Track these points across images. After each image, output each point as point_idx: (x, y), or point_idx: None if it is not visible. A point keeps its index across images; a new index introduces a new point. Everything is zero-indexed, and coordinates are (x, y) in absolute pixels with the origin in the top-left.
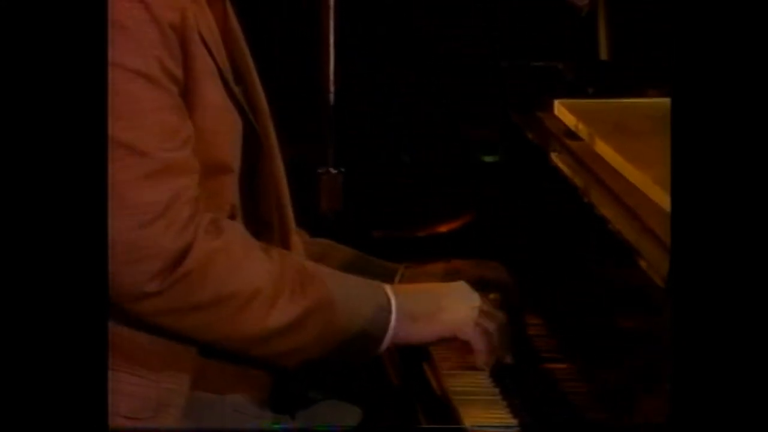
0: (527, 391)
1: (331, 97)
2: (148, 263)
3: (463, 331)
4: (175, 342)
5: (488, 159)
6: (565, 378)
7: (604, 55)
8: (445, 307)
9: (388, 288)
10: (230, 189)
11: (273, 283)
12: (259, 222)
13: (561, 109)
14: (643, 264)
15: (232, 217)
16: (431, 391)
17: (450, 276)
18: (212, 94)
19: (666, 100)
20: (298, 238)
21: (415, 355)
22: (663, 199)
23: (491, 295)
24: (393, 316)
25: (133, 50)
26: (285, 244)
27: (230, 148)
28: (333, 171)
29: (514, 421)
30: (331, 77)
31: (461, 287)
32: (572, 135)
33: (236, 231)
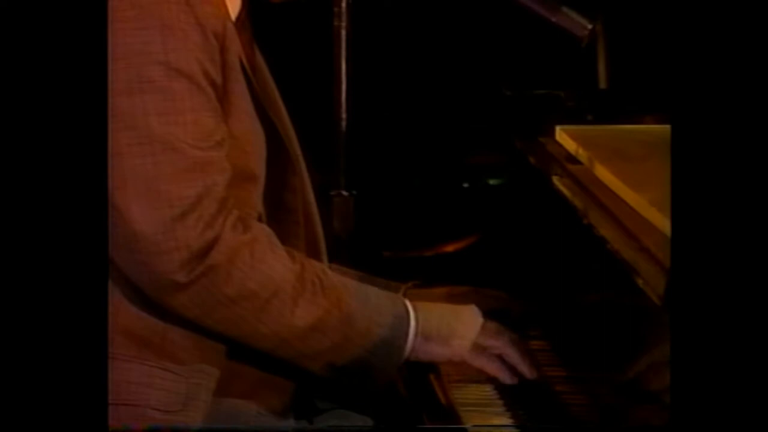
0: (531, 404)
1: (344, 124)
2: (176, 254)
3: (473, 358)
4: (204, 339)
5: (493, 182)
6: (566, 391)
7: (602, 83)
8: (457, 332)
9: (407, 300)
10: (256, 197)
11: (295, 283)
12: (288, 231)
13: (562, 135)
14: (640, 282)
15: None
16: (438, 401)
17: (452, 300)
18: (243, 103)
19: (662, 127)
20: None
21: (422, 367)
22: (659, 220)
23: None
24: (412, 325)
25: (178, 50)
26: (316, 258)
27: (257, 158)
28: (345, 194)
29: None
30: (344, 106)
31: (472, 312)
32: (573, 159)
33: (262, 230)
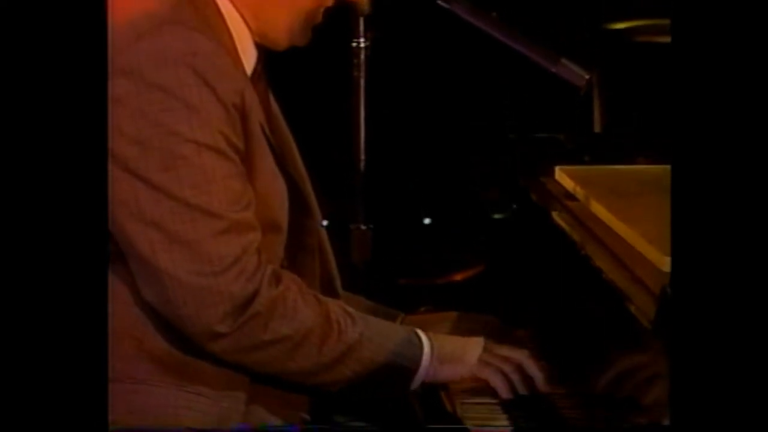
0: (533, 419)
1: (362, 165)
2: (220, 306)
3: (482, 372)
4: (232, 369)
5: (498, 217)
6: (566, 407)
7: (597, 128)
8: (468, 353)
9: (421, 333)
10: (279, 246)
11: (322, 325)
12: (307, 272)
13: (561, 175)
14: (632, 308)
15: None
16: (448, 417)
17: (444, 324)
18: (265, 163)
19: (652, 167)
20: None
21: (433, 385)
22: (650, 252)
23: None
24: (425, 356)
25: (203, 127)
26: (332, 292)
27: (280, 209)
28: (363, 227)
29: None
30: (362, 148)
31: (479, 341)
32: (571, 196)
33: (292, 279)
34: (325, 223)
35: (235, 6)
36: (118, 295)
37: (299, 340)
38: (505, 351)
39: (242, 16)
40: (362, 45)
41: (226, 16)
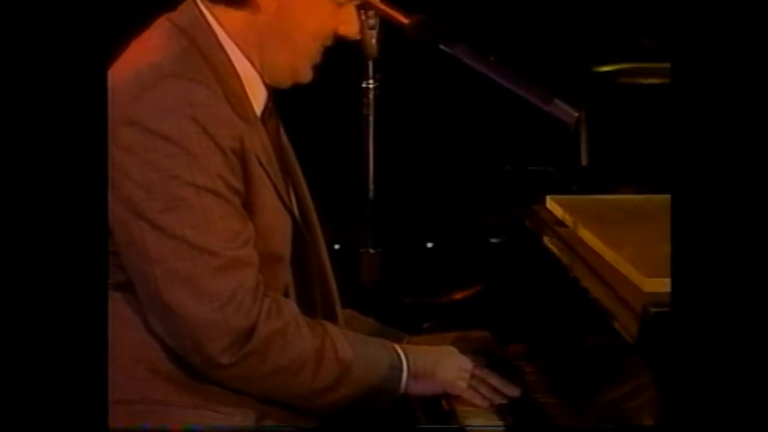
0: (526, 423)
1: (371, 194)
2: (220, 340)
3: (454, 387)
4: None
5: (494, 241)
6: (556, 414)
7: (585, 161)
8: (439, 369)
9: (400, 350)
10: (284, 273)
11: (316, 356)
12: (308, 297)
13: (552, 203)
14: (616, 325)
15: (286, 294)
16: (448, 421)
17: (444, 342)
18: (267, 200)
19: (634, 196)
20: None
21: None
22: (632, 274)
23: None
24: (404, 369)
25: (202, 171)
26: (331, 316)
27: (282, 242)
28: (371, 251)
29: None
30: (371, 179)
31: (450, 351)
32: (560, 223)
33: (291, 312)
34: (336, 246)
35: (242, 51)
36: (134, 323)
37: (295, 370)
38: (471, 367)
39: (249, 60)
40: (371, 86)
41: (234, 61)
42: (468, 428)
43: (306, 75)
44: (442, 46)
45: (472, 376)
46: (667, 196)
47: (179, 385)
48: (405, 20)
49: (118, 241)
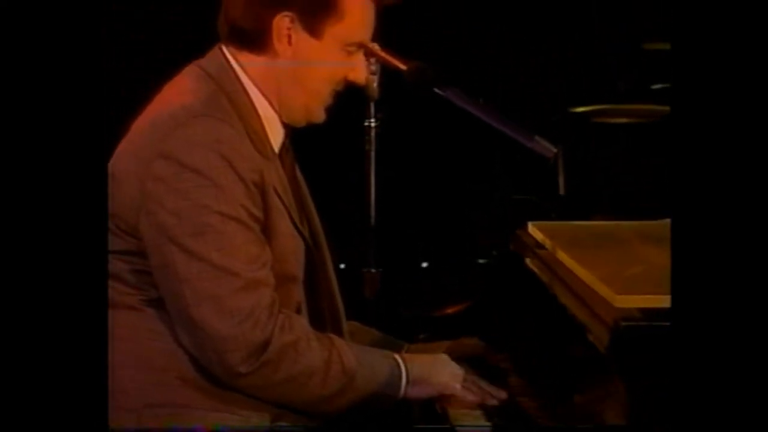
0: (511, 424)
1: (372, 220)
2: (238, 353)
3: (447, 389)
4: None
5: (482, 261)
6: (537, 415)
7: (562, 191)
8: (434, 374)
9: (399, 359)
10: (297, 292)
11: (324, 368)
12: (317, 312)
13: (533, 228)
14: (591, 338)
15: (298, 310)
16: (440, 420)
17: (439, 351)
18: (282, 227)
19: (606, 223)
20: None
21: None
22: (604, 291)
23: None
24: (404, 378)
25: (227, 201)
26: (337, 329)
27: (296, 264)
28: (373, 270)
29: None
30: (372, 206)
31: (443, 358)
32: (541, 246)
33: (302, 327)
34: (342, 266)
35: (262, 93)
36: (164, 336)
37: (305, 380)
38: (463, 372)
39: (269, 101)
40: (373, 124)
41: (256, 103)
42: (458, 428)
43: (319, 115)
44: (436, 90)
45: (464, 379)
46: (635, 222)
47: (203, 391)
48: (403, 66)
49: (151, 262)
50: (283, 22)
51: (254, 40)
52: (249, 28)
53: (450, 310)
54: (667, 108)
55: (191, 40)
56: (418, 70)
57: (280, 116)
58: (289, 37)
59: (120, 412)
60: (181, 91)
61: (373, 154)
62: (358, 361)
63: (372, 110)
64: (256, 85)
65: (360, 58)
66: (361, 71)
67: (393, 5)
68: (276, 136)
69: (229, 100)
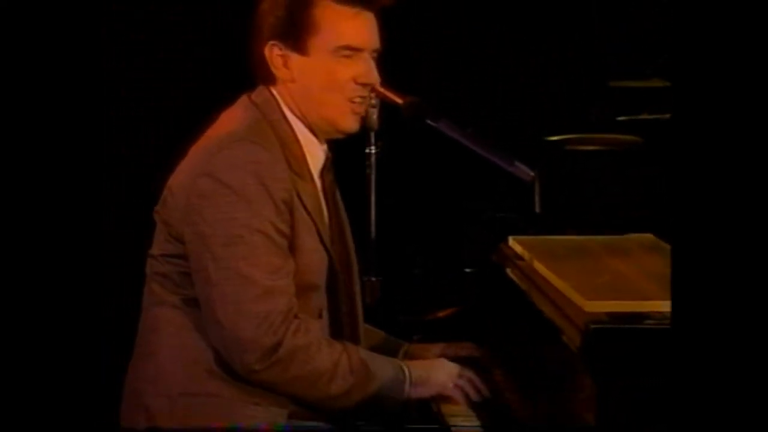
0: (494, 414)
1: (373, 235)
2: (253, 353)
3: (446, 389)
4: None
5: (469, 271)
6: (519, 408)
7: (538, 209)
8: (432, 376)
9: (402, 364)
10: (318, 299)
11: (333, 370)
12: (336, 317)
13: (513, 242)
14: (564, 338)
15: (319, 315)
16: (435, 416)
17: (434, 350)
18: (309, 242)
19: (577, 237)
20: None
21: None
22: (576, 297)
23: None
24: (407, 382)
25: (256, 217)
26: (355, 331)
27: (318, 275)
28: (374, 279)
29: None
30: (373, 223)
31: (441, 361)
32: (520, 258)
33: (315, 334)
34: None
35: (300, 119)
36: (196, 332)
37: (314, 380)
38: (462, 370)
39: (308, 128)
40: (373, 151)
41: (295, 129)
42: (453, 428)
43: (347, 124)
44: (429, 122)
45: (459, 376)
46: (603, 237)
47: (229, 383)
48: (400, 101)
49: (191, 265)
50: (273, 51)
51: (263, 74)
52: (254, 65)
53: (441, 315)
54: (631, 137)
55: (191, 40)
56: (413, 105)
57: (320, 141)
58: (284, 61)
59: (159, 398)
60: (230, 118)
61: (373, 177)
62: (365, 365)
63: (372, 139)
64: (292, 113)
65: (364, 59)
66: (368, 72)
67: (388, 6)
68: (315, 159)
69: (272, 127)
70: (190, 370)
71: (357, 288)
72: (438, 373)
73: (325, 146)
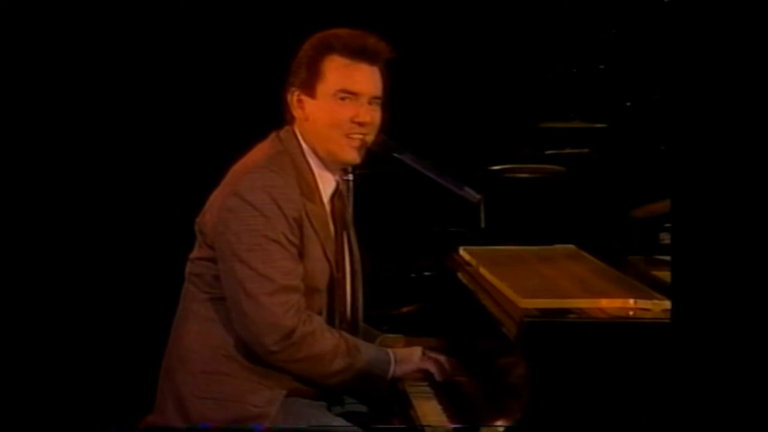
0: (448, 393)
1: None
2: (271, 336)
3: (425, 366)
4: (279, 370)
5: (427, 274)
6: (468, 386)
7: (483, 225)
8: (413, 355)
9: (390, 352)
10: (319, 300)
11: (334, 351)
12: (332, 317)
13: (463, 252)
14: (504, 330)
15: (320, 313)
16: (401, 394)
17: (401, 340)
18: (314, 253)
19: (515, 247)
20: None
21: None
22: (513, 296)
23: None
24: (391, 364)
25: (272, 229)
26: (354, 326)
27: (320, 280)
28: None
29: (439, 407)
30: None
31: (415, 347)
32: (468, 264)
33: (319, 322)
34: None
35: (315, 154)
36: (221, 322)
37: (319, 358)
38: (433, 354)
39: (320, 160)
40: (351, 179)
41: (310, 162)
42: (427, 428)
43: (348, 156)
44: (395, 154)
45: (429, 358)
46: (534, 247)
47: (242, 366)
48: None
49: (220, 267)
50: (293, 96)
51: (287, 114)
52: (283, 107)
53: (404, 311)
54: (556, 167)
55: (191, 40)
56: (382, 142)
57: (331, 172)
58: (300, 104)
59: (185, 374)
60: (259, 149)
61: (350, 200)
62: (357, 347)
63: (350, 168)
64: (308, 145)
65: (360, 104)
66: (361, 112)
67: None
68: (326, 186)
69: (291, 158)
70: (211, 353)
71: (360, 293)
72: (414, 354)
73: (337, 176)
